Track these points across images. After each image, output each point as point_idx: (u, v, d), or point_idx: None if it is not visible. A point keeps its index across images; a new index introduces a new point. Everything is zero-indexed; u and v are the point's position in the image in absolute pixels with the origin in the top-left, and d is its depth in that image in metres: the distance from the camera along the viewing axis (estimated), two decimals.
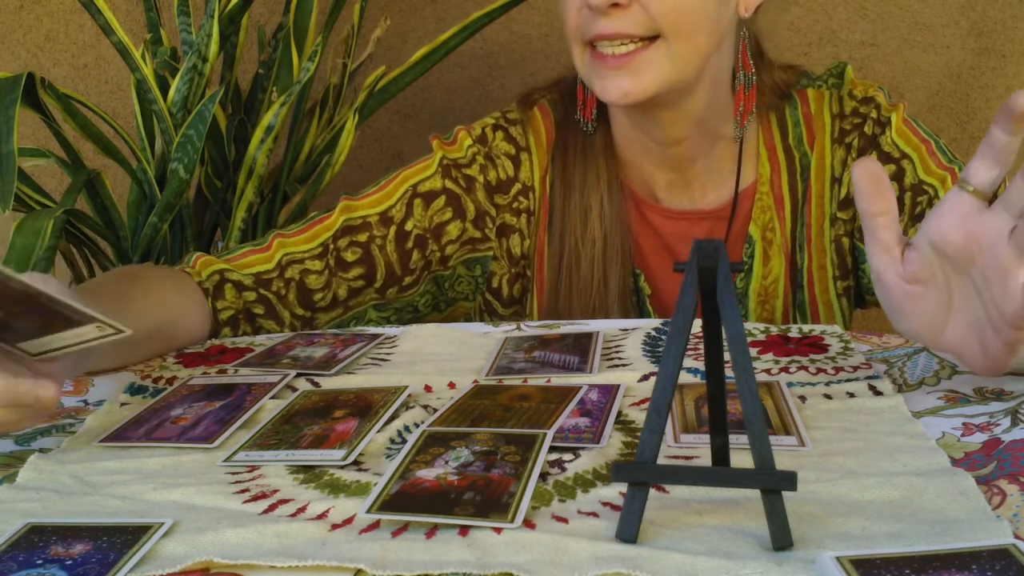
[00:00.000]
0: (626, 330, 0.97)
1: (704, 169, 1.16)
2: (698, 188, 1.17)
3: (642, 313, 1.18)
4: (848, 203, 1.14)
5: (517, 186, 1.17)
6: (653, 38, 1.01)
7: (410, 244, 1.12)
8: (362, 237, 1.11)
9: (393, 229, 1.12)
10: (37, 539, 0.58)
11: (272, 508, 0.62)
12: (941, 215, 0.69)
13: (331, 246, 1.10)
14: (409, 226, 1.12)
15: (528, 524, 0.57)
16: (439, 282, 1.18)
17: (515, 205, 1.17)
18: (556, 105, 1.20)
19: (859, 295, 1.20)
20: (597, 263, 1.14)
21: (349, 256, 1.11)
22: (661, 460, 0.63)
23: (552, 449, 0.67)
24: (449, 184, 1.14)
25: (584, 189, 1.15)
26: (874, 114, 1.12)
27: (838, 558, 0.51)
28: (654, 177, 1.17)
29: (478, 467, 0.63)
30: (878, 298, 0.74)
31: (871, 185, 0.69)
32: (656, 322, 0.99)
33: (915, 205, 1.08)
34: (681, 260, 1.16)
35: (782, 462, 0.58)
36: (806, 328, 0.95)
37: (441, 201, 1.14)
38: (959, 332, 0.71)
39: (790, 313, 1.17)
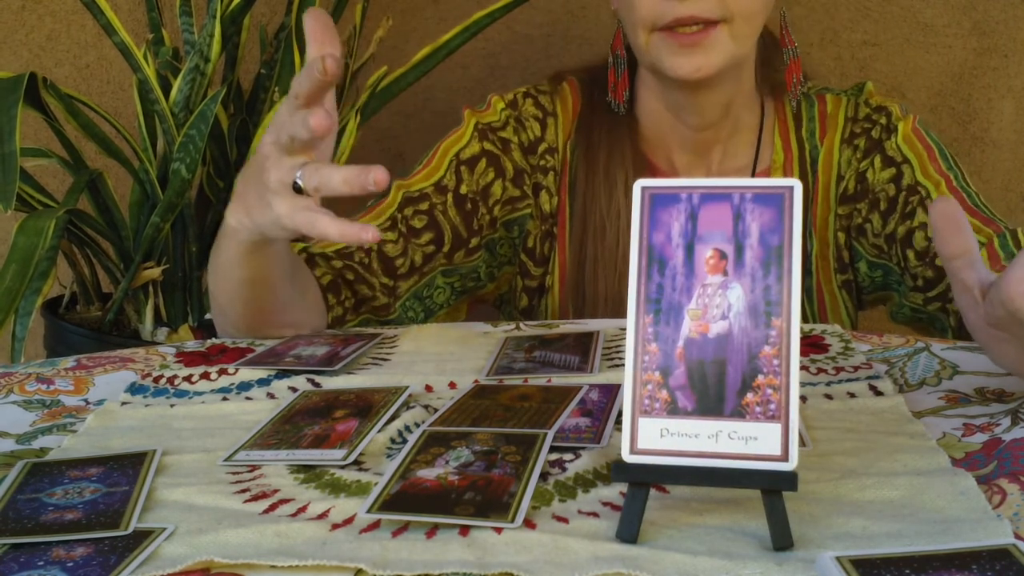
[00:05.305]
0: (626, 329, 0.96)
1: (721, 153, 1.22)
2: (715, 170, 1.23)
3: None
4: (846, 199, 1.19)
5: (544, 145, 1.23)
6: (719, 20, 1.08)
7: (468, 207, 1.18)
8: (424, 206, 1.16)
9: (450, 196, 1.17)
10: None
11: (272, 508, 0.62)
12: (1009, 283, 0.64)
13: (398, 216, 1.14)
14: (463, 190, 1.17)
15: (528, 524, 0.57)
16: (491, 247, 1.21)
17: (542, 163, 1.22)
18: (585, 85, 1.26)
19: (857, 295, 1.22)
20: (622, 234, 1.19)
21: (417, 223, 1.15)
22: None
23: (553, 449, 0.67)
24: (487, 146, 1.20)
25: (609, 167, 1.21)
26: (883, 121, 1.18)
27: (838, 558, 0.51)
28: (674, 158, 1.23)
29: (479, 467, 0.63)
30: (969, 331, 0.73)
31: (948, 226, 0.67)
32: None
33: (906, 204, 1.12)
34: None
35: None
36: (806, 328, 0.95)
37: (483, 164, 1.19)
38: None
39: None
